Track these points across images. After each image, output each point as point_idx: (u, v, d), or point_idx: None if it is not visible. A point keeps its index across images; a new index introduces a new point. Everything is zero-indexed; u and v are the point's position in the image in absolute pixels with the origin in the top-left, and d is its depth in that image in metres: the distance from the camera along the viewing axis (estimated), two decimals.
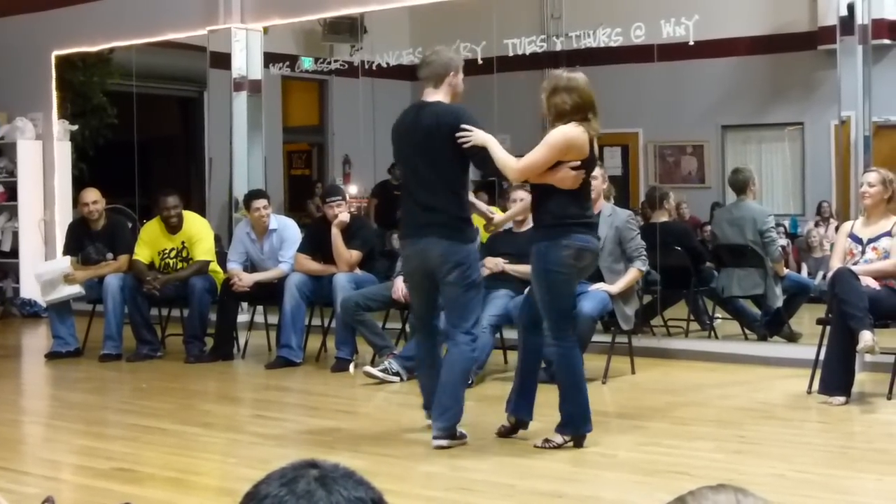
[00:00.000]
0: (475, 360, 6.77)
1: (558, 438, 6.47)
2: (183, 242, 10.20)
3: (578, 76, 6.48)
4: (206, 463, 6.47)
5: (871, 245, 7.83)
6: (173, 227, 10.20)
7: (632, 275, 8.47)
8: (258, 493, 1.74)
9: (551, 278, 6.38)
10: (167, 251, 10.23)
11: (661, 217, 10.41)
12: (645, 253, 8.57)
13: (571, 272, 6.40)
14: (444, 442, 6.51)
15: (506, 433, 6.73)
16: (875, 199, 7.86)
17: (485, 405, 7.94)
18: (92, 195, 10.49)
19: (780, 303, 9.72)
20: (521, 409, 6.72)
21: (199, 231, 10.29)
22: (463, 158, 6.56)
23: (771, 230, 9.86)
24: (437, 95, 6.70)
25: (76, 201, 12.22)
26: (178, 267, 10.18)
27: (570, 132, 6.35)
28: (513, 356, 9.27)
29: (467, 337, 6.57)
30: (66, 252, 10.75)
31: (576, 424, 6.48)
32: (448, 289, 6.59)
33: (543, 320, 6.50)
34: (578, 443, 6.49)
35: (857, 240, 7.90)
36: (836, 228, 8.81)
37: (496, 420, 7.25)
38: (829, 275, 7.88)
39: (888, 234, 7.80)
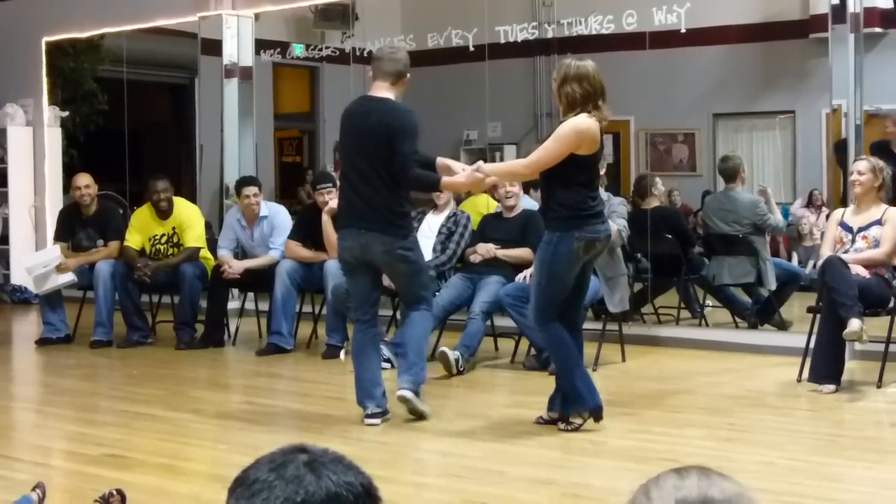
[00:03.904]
0: (435, 317, 7.16)
1: (577, 419, 6.51)
2: (174, 228, 10.19)
3: (587, 63, 6.49)
4: (197, 449, 6.47)
5: (862, 234, 7.83)
6: (163, 212, 10.19)
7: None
8: (247, 478, 1.74)
9: (554, 268, 6.39)
10: (158, 237, 10.21)
11: (652, 203, 10.43)
12: (626, 231, 8.55)
13: (576, 262, 6.42)
14: (408, 394, 6.69)
15: (543, 423, 6.70)
16: (865, 187, 7.86)
17: (475, 392, 7.95)
18: (84, 179, 10.48)
19: (774, 284, 9.70)
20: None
21: (189, 217, 10.28)
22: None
23: (767, 217, 9.83)
24: (389, 93, 6.81)
25: (67, 187, 12.19)
26: (169, 253, 10.17)
27: (581, 125, 6.35)
28: (503, 343, 9.29)
29: (427, 303, 6.99)
30: (56, 238, 10.73)
31: (585, 399, 6.52)
32: (400, 279, 6.94)
33: (530, 301, 6.59)
34: (598, 415, 6.51)
35: (848, 228, 7.90)
36: (827, 216, 8.82)
37: (486, 407, 7.26)
38: (819, 263, 7.89)
39: (878, 222, 7.81)
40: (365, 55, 12.24)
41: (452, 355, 8.36)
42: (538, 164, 6.44)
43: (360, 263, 6.83)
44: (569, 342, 6.57)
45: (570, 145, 6.32)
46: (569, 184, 6.37)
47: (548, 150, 6.38)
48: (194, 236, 10.18)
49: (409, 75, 6.87)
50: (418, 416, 6.76)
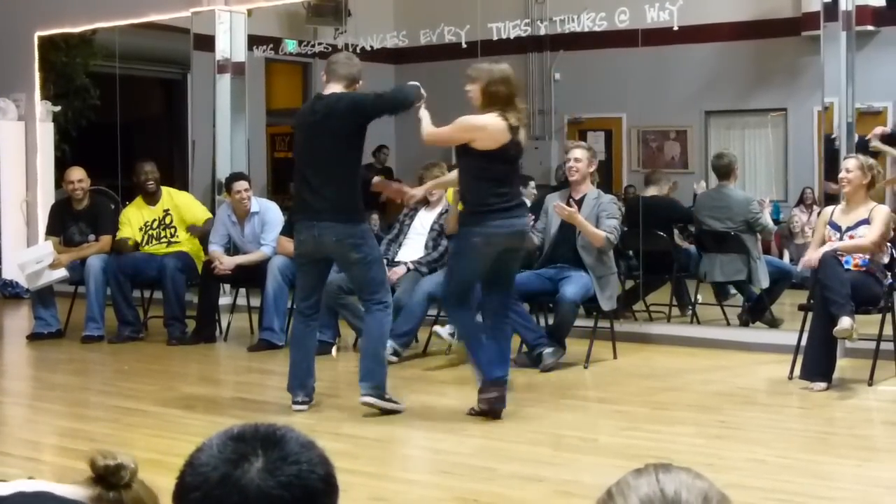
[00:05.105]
0: (390, 321, 7.21)
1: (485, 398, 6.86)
2: (165, 211, 10.24)
3: (508, 67, 6.99)
4: (188, 445, 6.37)
5: (849, 233, 7.79)
6: (151, 194, 10.25)
7: (596, 230, 8.41)
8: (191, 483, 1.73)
9: (458, 259, 6.91)
10: (149, 223, 10.24)
11: (650, 192, 10.55)
12: (616, 233, 8.54)
13: (478, 256, 6.73)
14: (370, 399, 6.84)
15: (475, 414, 6.92)
16: (854, 185, 7.82)
17: (466, 388, 7.94)
18: (77, 174, 10.47)
19: (766, 283, 9.70)
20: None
21: (185, 200, 10.53)
22: (352, 144, 6.92)
23: (759, 216, 9.83)
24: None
25: (59, 182, 12.18)
26: (162, 236, 10.20)
27: (477, 120, 6.71)
28: None
29: (381, 305, 7.03)
30: (48, 232, 10.71)
31: (484, 372, 6.85)
32: (353, 269, 7.07)
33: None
34: (493, 387, 6.84)
35: (836, 227, 7.87)
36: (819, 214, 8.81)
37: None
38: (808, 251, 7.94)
39: (866, 221, 7.77)
40: (357, 52, 12.23)
41: (446, 332, 8.46)
42: (431, 138, 6.96)
43: (312, 259, 7.08)
44: (471, 324, 6.98)
45: (460, 137, 6.77)
46: (476, 179, 6.78)
47: (444, 132, 6.87)
48: (201, 210, 10.47)
49: (361, 83, 7.06)
50: (391, 412, 6.88)
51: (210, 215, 10.48)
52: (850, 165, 7.88)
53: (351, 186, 6.94)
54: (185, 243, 10.28)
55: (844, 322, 7.23)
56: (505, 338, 7.02)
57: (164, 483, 2.30)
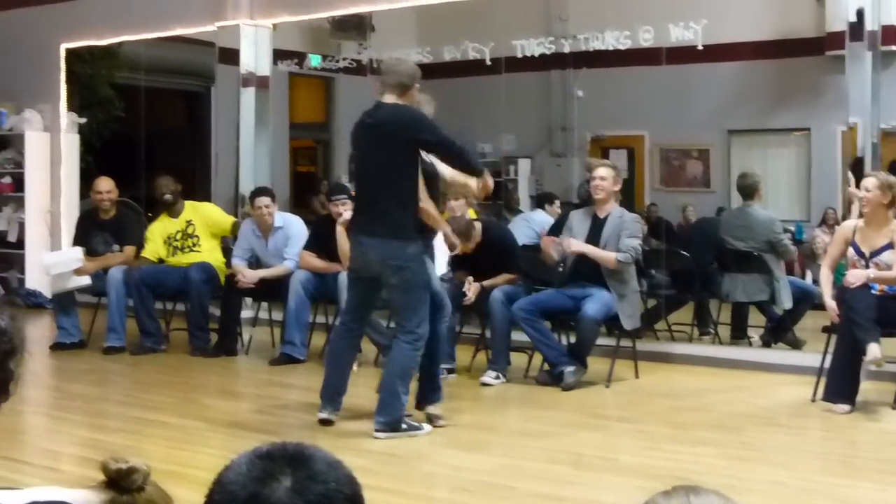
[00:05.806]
0: (416, 357, 6.83)
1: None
2: (188, 221, 10.33)
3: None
4: (207, 457, 6.46)
5: (874, 259, 7.68)
6: (171, 206, 10.35)
7: (606, 253, 8.42)
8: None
9: None
10: (172, 235, 10.31)
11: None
12: (635, 252, 8.49)
13: None
14: (382, 435, 6.70)
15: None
16: (873, 205, 7.69)
17: (486, 406, 7.94)
18: (106, 184, 10.53)
19: (789, 304, 9.65)
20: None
21: (208, 209, 10.70)
22: (411, 160, 6.76)
23: (782, 238, 9.80)
24: (397, 101, 6.88)
25: (83, 193, 12.22)
26: (185, 245, 10.25)
27: None
28: (517, 357, 9.24)
29: (410, 336, 6.74)
30: (75, 244, 10.73)
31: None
32: (391, 291, 6.84)
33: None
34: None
35: (860, 253, 7.74)
36: None
37: (498, 421, 7.21)
38: (822, 275, 7.90)
39: (890, 246, 7.67)
40: (381, 67, 12.26)
41: (491, 378, 8.54)
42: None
43: (360, 276, 6.95)
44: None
45: None
46: None
47: None
48: (223, 216, 10.67)
49: (416, 86, 6.90)
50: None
51: (234, 219, 10.59)
52: (870, 184, 7.75)
53: (404, 201, 6.71)
54: (207, 255, 10.30)
55: (874, 350, 7.16)
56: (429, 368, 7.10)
57: (183, 495, 2.30)
